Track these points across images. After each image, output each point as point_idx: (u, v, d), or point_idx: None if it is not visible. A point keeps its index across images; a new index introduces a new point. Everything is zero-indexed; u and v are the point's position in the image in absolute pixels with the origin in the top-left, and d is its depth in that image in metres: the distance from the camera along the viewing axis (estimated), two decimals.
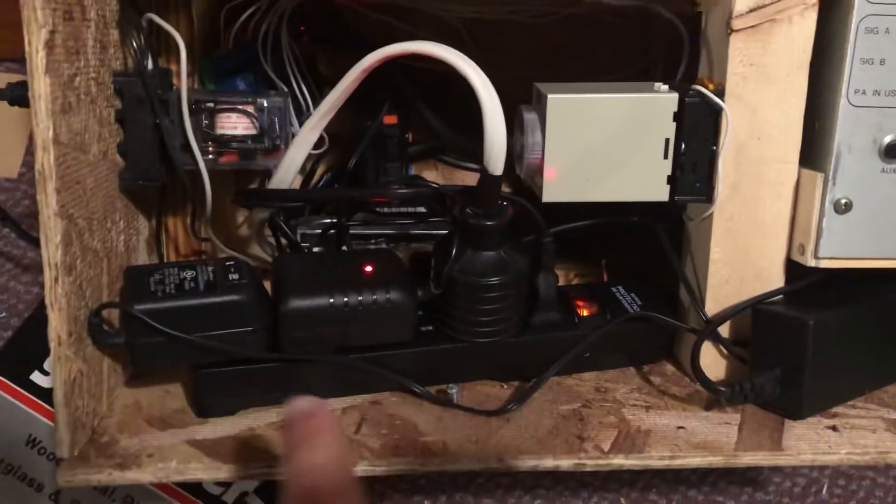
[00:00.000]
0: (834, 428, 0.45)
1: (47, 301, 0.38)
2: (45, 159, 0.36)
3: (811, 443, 0.43)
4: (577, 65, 0.57)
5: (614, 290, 0.52)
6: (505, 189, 0.52)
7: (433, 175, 0.61)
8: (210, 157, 0.47)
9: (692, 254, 0.50)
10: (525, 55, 0.57)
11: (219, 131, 0.46)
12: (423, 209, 0.57)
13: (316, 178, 0.61)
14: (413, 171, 0.61)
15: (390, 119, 0.57)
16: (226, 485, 0.62)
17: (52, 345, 0.38)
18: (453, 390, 0.46)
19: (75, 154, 0.39)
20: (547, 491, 0.64)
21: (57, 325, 0.38)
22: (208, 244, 0.55)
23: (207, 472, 0.40)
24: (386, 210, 0.56)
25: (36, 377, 0.60)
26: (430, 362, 0.47)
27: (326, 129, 0.54)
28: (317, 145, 0.55)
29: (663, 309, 0.50)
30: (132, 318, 0.41)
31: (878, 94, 0.43)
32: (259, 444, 0.42)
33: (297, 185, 0.59)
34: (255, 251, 0.56)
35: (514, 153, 0.47)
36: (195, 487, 0.61)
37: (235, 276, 0.43)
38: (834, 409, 0.46)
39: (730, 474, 0.65)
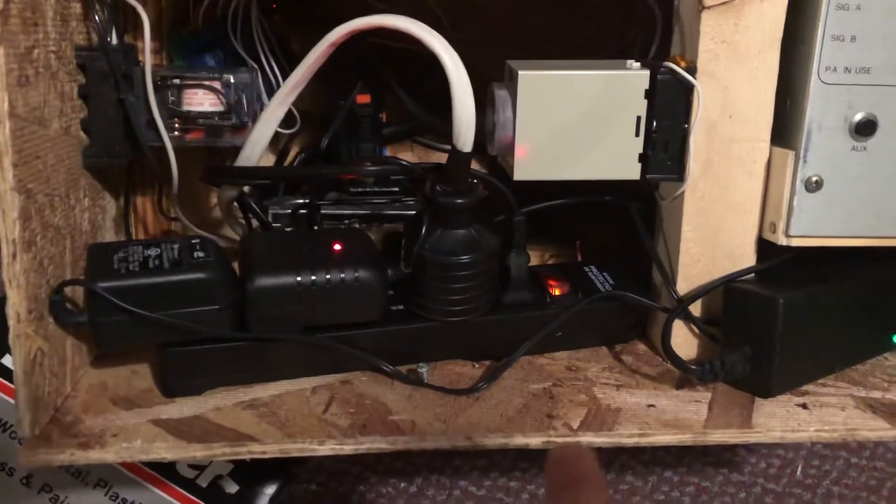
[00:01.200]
0: (804, 406, 0.45)
1: (5, 278, 0.37)
2: (1, 132, 0.36)
3: (781, 420, 0.43)
4: (555, 47, 0.56)
5: (587, 269, 0.52)
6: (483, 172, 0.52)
7: (409, 157, 0.61)
8: (176, 133, 0.46)
9: (664, 233, 0.50)
10: (503, 37, 0.56)
11: (185, 108, 0.46)
12: (396, 189, 0.56)
13: (289, 158, 0.60)
14: (388, 152, 0.60)
15: (363, 98, 0.57)
16: (200, 468, 0.62)
17: (11, 322, 0.38)
18: (423, 369, 0.46)
19: (34, 128, 0.39)
20: (523, 473, 0.64)
21: (16, 302, 0.38)
22: (178, 225, 0.54)
23: (172, 451, 0.40)
24: (360, 190, 0.56)
25: (7, 360, 0.59)
26: (401, 341, 0.47)
27: (299, 110, 0.54)
28: (289, 125, 0.54)
29: (636, 288, 0.50)
30: (95, 295, 0.40)
31: (849, 72, 0.43)
32: (225, 424, 0.42)
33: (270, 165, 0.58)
34: (227, 233, 0.56)
35: (486, 131, 0.47)
36: (169, 471, 0.61)
37: (201, 254, 0.42)
38: (804, 388, 0.47)
39: (705, 455, 0.66)
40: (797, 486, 0.65)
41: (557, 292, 0.49)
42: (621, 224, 0.52)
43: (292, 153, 0.61)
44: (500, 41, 0.55)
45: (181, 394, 0.44)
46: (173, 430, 0.41)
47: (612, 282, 0.50)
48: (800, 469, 0.66)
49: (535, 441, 0.42)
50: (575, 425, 0.43)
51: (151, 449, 0.40)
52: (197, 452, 0.40)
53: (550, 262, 0.60)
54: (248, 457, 0.40)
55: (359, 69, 0.57)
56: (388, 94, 0.58)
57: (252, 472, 0.61)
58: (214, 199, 0.57)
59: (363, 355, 0.46)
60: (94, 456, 0.40)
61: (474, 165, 0.53)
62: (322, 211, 0.54)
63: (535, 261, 0.52)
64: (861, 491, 0.65)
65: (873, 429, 0.43)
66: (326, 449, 0.41)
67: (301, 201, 0.53)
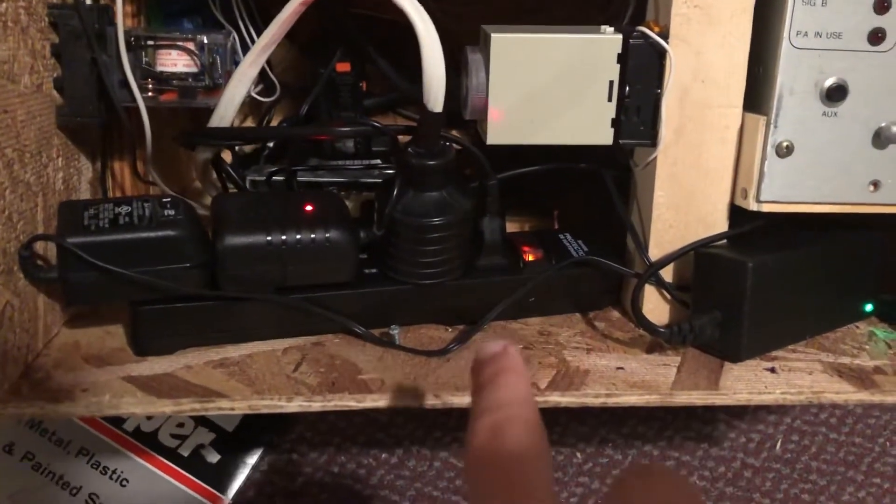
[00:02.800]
0: (772, 370, 0.45)
1: None
2: None
3: (748, 383, 0.44)
4: (540, 19, 0.56)
5: (561, 237, 0.52)
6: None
7: None
8: (150, 94, 0.46)
9: (638, 199, 0.50)
10: (487, 8, 0.56)
11: (159, 68, 0.46)
12: (377, 160, 0.57)
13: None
14: None
15: (343, 66, 0.57)
16: (181, 437, 0.62)
17: None
18: (395, 331, 0.46)
19: (2, 82, 0.39)
20: None
21: None
22: (157, 190, 0.54)
23: (141, 406, 0.40)
24: (340, 164, 0.56)
25: None
26: (373, 304, 0.47)
27: (280, 80, 0.54)
28: (269, 93, 0.54)
29: (609, 255, 0.50)
30: (65, 251, 0.40)
31: (820, 36, 0.43)
32: (195, 381, 0.42)
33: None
34: (206, 199, 0.56)
35: (461, 95, 0.47)
36: (151, 440, 0.61)
37: (171, 212, 0.42)
38: (774, 353, 0.47)
39: (686, 430, 0.66)
40: (776, 461, 0.66)
41: (531, 258, 0.49)
42: (598, 195, 0.52)
43: (273, 123, 0.61)
44: (484, 13, 0.55)
45: (152, 353, 0.44)
46: (143, 387, 0.41)
47: (586, 249, 0.50)
48: (779, 444, 0.66)
49: None
50: (542, 385, 0.43)
51: (120, 404, 0.40)
52: (166, 408, 0.40)
53: None
54: (216, 412, 0.40)
55: (339, 39, 0.57)
56: (370, 64, 0.58)
57: (233, 442, 0.62)
58: (193, 171, 0.57)
59: (335, 317, 0.46)
60: (63, 410, 0.40)
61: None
62: (299, 178, 0.54)
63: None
64: (839, 466, 0.65)
65: (839, 391, 0.43)
66: (294, 406, 0.41)
67: (279, 168, 0.54)
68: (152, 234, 0.41)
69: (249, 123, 0.62)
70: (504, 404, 0.29)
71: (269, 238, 0.43)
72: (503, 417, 0.29)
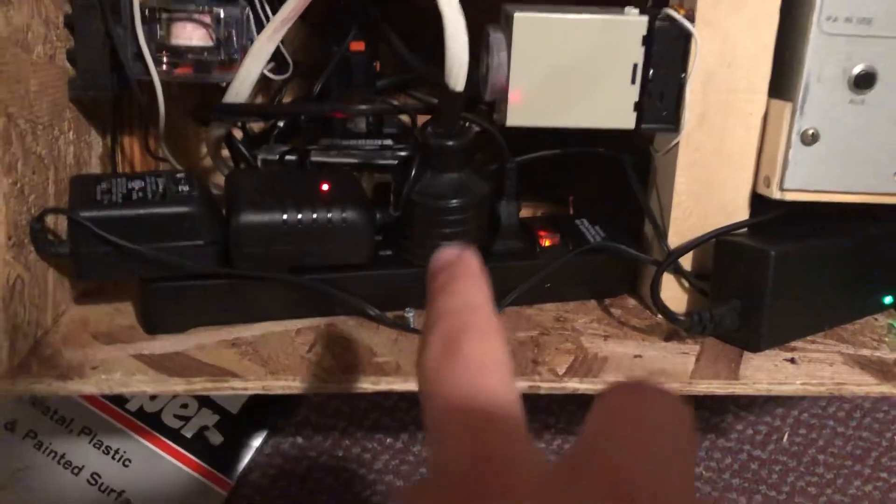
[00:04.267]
0: (792, 360, 0.45)
1: None
2: None
3: (768, 373, 0.43)
4: None
5: (578, 222, 0.51)
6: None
7: None
8: (164, 68, 0.45)
9: (657, 186, 0.49)
10: None
11: (173, 42, 0.45)
12: (389, 141, 0.56)
13: None
14: None
15: (357, 45, 0.56)
16: (185, 418, 0.61)
17: None
18: (410, 314, 0.46)
19: (15, 51, 0.38)
20: None
21: None
22: (167, 166, 0.53)
23: (152, 384, 0.40)
24: (352, 143, 0.55)
25: None
26: (388, 287, 0.46)
27: (292, 58, 0.53)
28: (281, 71, 0.53)
29: (627, 242, 0.49)
30: (77, 224, 0.39)
31: (850, 22, 0.42)
32: (207, 360, 0.41)
33: None
34: (218, 179, 0.55)
35: (480, 75, 0.46)
36: (154, 420, 0.61)
37: (185, 188, 0.41)
38: (793, 344, 0.46)
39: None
40: (783, 454, 0.65)
41: (547, 243, 0.48)
42: (614, 182, 0.51)
43: (284, 101, 0.60)
44: None
45: (163, 331, 0.44)
46: (154, 365, 0.41)
47: (603, 234, 0.50)
48: (786, 437, 0.66)
49: (519, 385, 0.41)
50: (560, 371, 0.42)
51: (131, 382, 0.40)
52: (178, 387, 0.40)
53: None
54: (230, 392, 0.40)
55: (354, 17, 0.56)
56: (385, 44, 0.57)
57: (237, 424, 0.61)
58: (204, 149, 0.56)
59: (349, 298, 0.45)
60: (73, 387, 0.39)
61: None
62: (312, 158, 0.53)
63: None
64: (846, 459, 0.65)
65: (860, 384, 0.42)
66: (309, 388, 0.40)
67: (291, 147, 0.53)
68: (166, 210, 0.40)
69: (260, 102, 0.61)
70: (456, 311, 0.26)
71: (284, 216, 0.42)
72: (457, 326, 0.25)
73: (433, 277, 0.28)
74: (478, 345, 0.25)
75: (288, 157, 0.52)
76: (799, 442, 0.66)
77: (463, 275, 0.27)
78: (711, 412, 0.66)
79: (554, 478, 0.21)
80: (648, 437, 0.22)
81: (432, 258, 0.29)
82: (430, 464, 0.24)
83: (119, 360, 0.41)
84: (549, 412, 0.64)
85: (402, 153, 0.54)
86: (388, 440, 0.63)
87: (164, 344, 0.43)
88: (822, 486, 0.64)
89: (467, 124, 0.44)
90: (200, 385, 0.40)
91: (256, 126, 0.58)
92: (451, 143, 0.44)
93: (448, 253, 0.29)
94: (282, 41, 0.50)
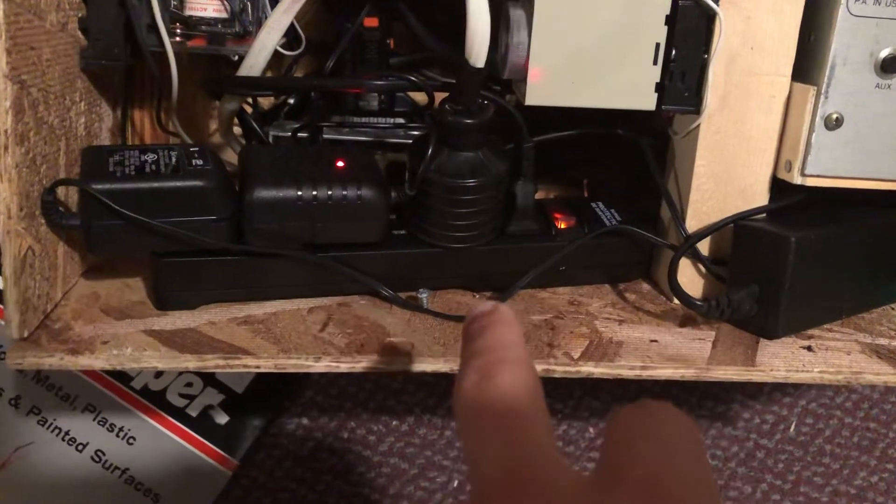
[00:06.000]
0: (809, 348, 0.44)
1: None
2: None
3: (785, 360, 0.43)
4: None
5: (594, 205, 0.50)
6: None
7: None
8: (178, 39, 0.44)
9: (676, 169, 0.48)
10: None
11: (188, 13, 0.44)
12: (401, 119, 0.55)
13: None
14: None
15: (371, 21, 0.55)
16: (190, 397, 0.61)
17: (2, 218, 0.36)
18: (424, 294, 0.45)
19: (29, 17, 0.37)
20: None
21: (7, 196, 0.36)
22: (177, 140, 0.52)
23: (163, 360, 0.39)
24: (364, 121, 0.54)
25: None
26: (402, 266, 0.45)
27: (305, 34, 0.52)
28: (293, 47, 0.53)
29: (643, 225, 0.49)
30: (89, 196, 0.39)
31: (879, 4, 0.42)
32: (219, 337, 0.41)
33: None
34: (228, 157, 0.54)
35: (499, 54, 0.46)
36: (159, 398, 0.60)
37: (199, 162, 0.41)
38: (809, 332, 0.46)
39: (699, 408, 0.65)
40: (789, 444, 0.65)
41: (563, 225, 0.48)
42: (630, 165, 0.51)
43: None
44: None
45: (174, 307, 0.43)
46: (165, 341, 0.40)
47: (619, 218, 0.49)
48: (793, 427, 0.66)
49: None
50: (576, 355, 0.42)
51: (142, 357, 0.39)
52: (189, 363, 0.39)
53: None
54: (242, 370, 0.39)
55: None
56: (399, 21, 0.56)
57: (242, 404, 0.61)
58: (214, 125, 0.55)
59: (363, 277, 0.44)
60: (84, 361, 0.39)
61: None
62: (324, 135, 0.52)
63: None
64: (853, 450, 0.65)
65: (878, 373, 0.42)
66: (322, 366, 0.40)
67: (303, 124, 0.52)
68: (179, 184, 0.40)
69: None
70: (492, 348, 0.28)
71: (299, 192, 0.41)
72: (492, 360, 0.28)
73: (469, 324, 0.30)
74: (512, 376, 0.27)
75: (300, 135, 0.52)
76: (806, 432, 0.66)
77: (499, 321, 0.30)
78: (717, 401, 0.65)
79: (590, 492, 0.23)
80: (669, 450, 0.24)
81: (468, 311, 0.31)
82: (471, 484, 0.26)
83: (130, 336, 0.40)
84: (556, 397, 0.63)
85: (415, 132, 0.53)
86: (393, 422, 0.63)
87: (176, 320, 0.42)
88: (829, 476, 0.64)
89: (485, 102, 0.44)
90: (213, 362, 0.39)
91: (266, 102, 0.57)
92: (469, 121, 0.43)
93: (484, 306, 0.31)
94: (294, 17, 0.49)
